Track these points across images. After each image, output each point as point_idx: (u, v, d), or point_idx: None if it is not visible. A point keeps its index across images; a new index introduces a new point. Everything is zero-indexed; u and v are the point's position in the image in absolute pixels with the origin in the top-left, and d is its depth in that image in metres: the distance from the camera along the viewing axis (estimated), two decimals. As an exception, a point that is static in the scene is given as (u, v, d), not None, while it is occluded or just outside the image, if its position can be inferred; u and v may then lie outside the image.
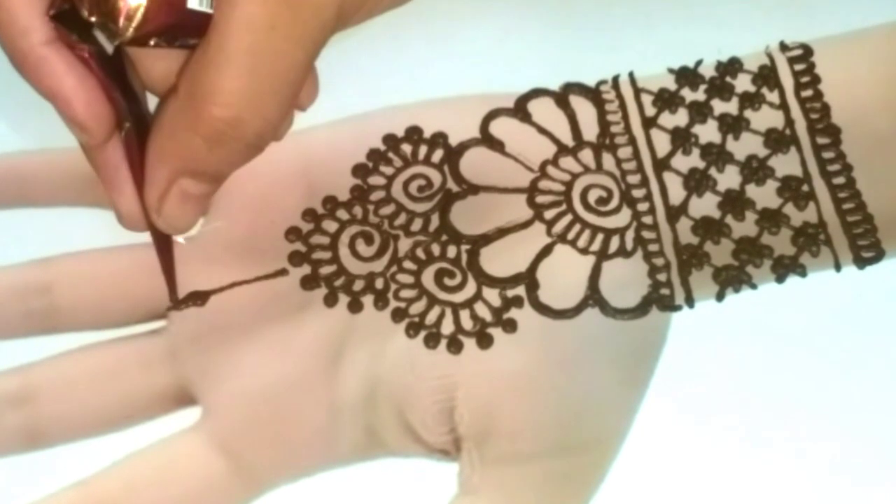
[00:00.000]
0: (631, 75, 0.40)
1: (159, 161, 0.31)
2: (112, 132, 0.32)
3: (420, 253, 0.38)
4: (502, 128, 0.39)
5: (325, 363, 0.37)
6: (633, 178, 0.38)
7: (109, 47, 0.30)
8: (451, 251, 0.38)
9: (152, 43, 0.30)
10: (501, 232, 0.38)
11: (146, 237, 0.40)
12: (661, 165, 0.38)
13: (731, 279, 0.38)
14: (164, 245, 0.36)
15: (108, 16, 0.29)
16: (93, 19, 0.29)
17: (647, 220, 0.38)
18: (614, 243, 0.38)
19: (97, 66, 0.30)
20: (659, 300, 0.37)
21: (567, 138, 0.39)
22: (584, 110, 0.39)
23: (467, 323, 0.37)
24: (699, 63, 0.40)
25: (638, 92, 0.39)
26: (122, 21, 0.29)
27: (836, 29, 0.40)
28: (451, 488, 0.37)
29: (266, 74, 0.29)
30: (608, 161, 0.39)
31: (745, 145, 0.39)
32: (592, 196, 0.38)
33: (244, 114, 0.29)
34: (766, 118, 0.39)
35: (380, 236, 0.38)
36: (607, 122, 0.39)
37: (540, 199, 0.38)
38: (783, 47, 0.40)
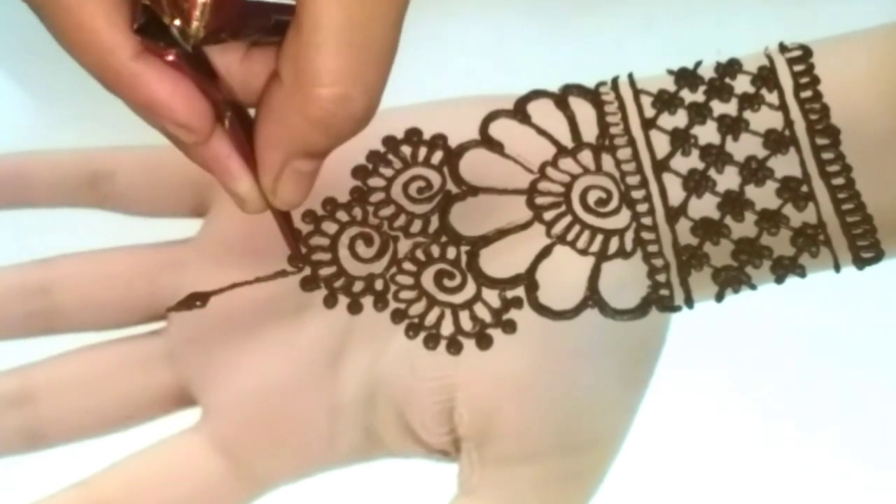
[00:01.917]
0: (630, 76, 0.40)
1: (271, 147, 0.31)
2: (214, 126, 0.31)
3: (420, 254, 0.38)
4: (502, 129, 0.39)
5: (324, 364, 0.37)
6: (633, 180, 0.38)
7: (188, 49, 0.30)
8: (451, 252, 0.38)
9: (223, 36, 0.30)
10: (501, 233, 0.38)
11: (145, 238, 0.40)
12: (661, 166, 0.38)
13: (730, 280, 0.38)
14: (283, 217, 0.36)
15: (184, 16, 0.29)
16: (176, 23, 0.29)
17: (647, 221, 0.38)
18: (614, 244, 0.38)
19: (188, 67, 0.30)
20: (658, 301, 0.37)
21: (566, 139, 0.39)
22: (584, 112, 0.39)
23: (467, 324, 0.37)
24: (698, 64, 0.40)
25: (637, 93, 0.39)
26: (193, 20, 0.29)
27: (835, 29, 0.40)
28: (451, 489, 0.37)
29: (364, 45, 0.29)
30: (607, 162, 0.39)
31: (745, 146, 0.39)
32: (592, 197, 0.38)
33: (350, 90, 0.29)
34: (765, 119, 0.39)
35: (379, 238, 0.38)
36: (606, 123, 0.39)
37: (539, 200, 0.38)
38: (782, 48, 0.40)
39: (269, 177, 0.32)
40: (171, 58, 0.30)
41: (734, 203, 0.38)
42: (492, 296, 0.37)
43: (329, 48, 0.28)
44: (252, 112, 0.32)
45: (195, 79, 0.31)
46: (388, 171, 0.39)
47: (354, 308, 0.37)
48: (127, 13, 0.29)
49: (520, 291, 0.37)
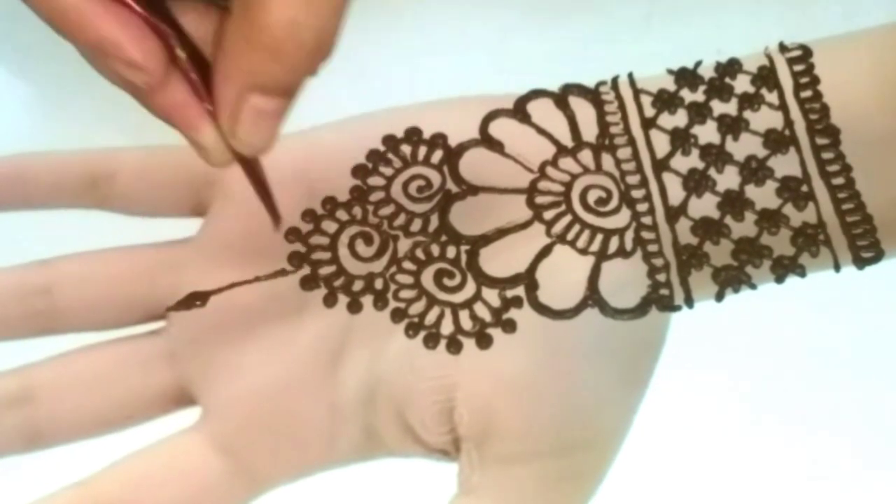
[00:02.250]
0: (630, 76, 0.40)
1: (225, 82, 0.30)
2: (168, 66, 0.31)
3: (419, 253, 0.38)
4: (502, 128, 0.39)
5: (324, 363, 0.37)
6: (633, 179, 0.38)
7: None
8: (451, 251, 0.38)
9: None
10: (501, 232, 0.38)
11: (145, 238, 0.40)
12: (661, 166, 0.38)
13: (730, 279, 0.38)
14: (252, 171, 0.34)
15: None
16: None
17: (647, 220, 0.38)
18: (614, 244, 0.38)
19: (140, 5, 0.30)
20: (658, 300, 0.37)
21: (566, 139, 0.39)
22: (584, 111, 0.39)
23: (467, 323, 0.37)
24: (698, 64, 0.40)
25: (637, 93, 0.39)
26: None
27: (835, 29, 0.40)
28: (451, 488, 0.37)
29: None
30: (607, 162, 0.39)
31: (745, 146, 0.39)
32: (592, 196, 0.38)
33: (299, 16, 0.29)
34: (765, 119, 0.39)
35: (379, 237, 0.38)
36: (606, 122, 0.39)
37: (539, 199, 0.38)
38: (782, 48, 0.40)
39: (226, 116, 0.31)
40: None
41: (734, 203, 0.38)
42: (492, 295, 0.37)
43: None
44: None
45: (147, 19, 0.30)
46: (387, 170, 0.39)
47: (354, 307, 0.37)
48: None
49: (520, 291, 0.37)
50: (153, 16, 0.30)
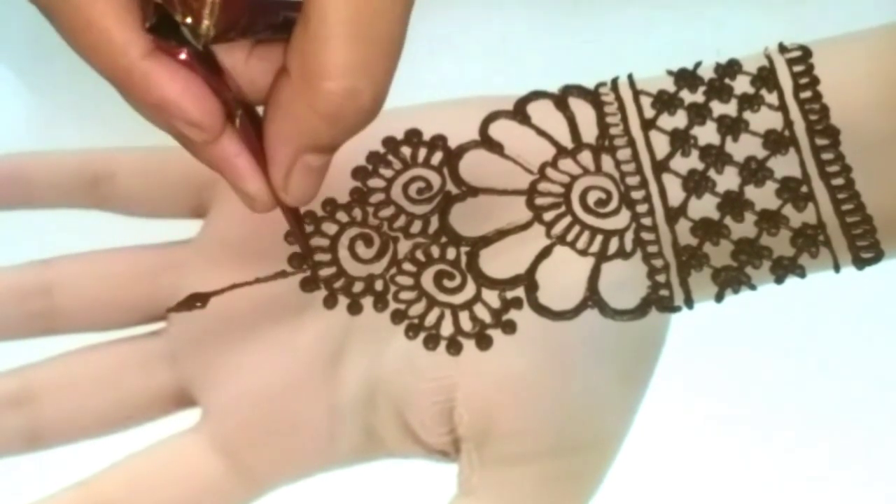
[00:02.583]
0: (630, 77, 0.40)
1: (281, 143, 0.31)
2: (224, 124, 0.31)
3: (419, 255, 0.38)
4: (501, 130, 0.39)
5: (324, 365, 0.37)
6: (632, 180, 0.38)
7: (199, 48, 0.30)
8: (451, 253, 0.38)
9: (233, 35, 0.30)
10: (501, 234, 0.38)
11: (146, 239, 0.40)
12: (660, 167, 0.38)
13: (730, 280, 0.38)
14: (292, 214, 0.36)
15: (195, 15, 0.29)
16: (187, 21, 0.29)
17: (647, 221, 0.38)
18: (613, 245, 0.38)
19: (199, 65, 0.30)
20: (658, 301, 0.37)
21: (566, 140, 0.39)
22: (583, 112, 0.39)
23: (467, 324, 0.37)
24: (698, 65, 0.40)
25: (637, 94, 0.39)
26: (204, 19, 0.29)
27: (835, 29, 0.40)
28: (451, 489, 0.37)
29: (371, 38, 0.29)
30: (607, 163, 0.39)
31: (744, 147, 0.39)
32: (591, 198, 0.38)
33: (358, 83, 0.29)
34: (764, 119, 0.39)
35: (379, 238, 0.38)
36: (606, 124, 0.39)
37: (539, 200, 0.38)
38: (782, 49, 0.40)
39: (279, 173, 0.32)
40: (182, 56, 0.30)
41: (734, 203, 0.38)
42: (492, 296, 0.37)
43: (336, 41, 0.28)
44: (260, 111, 0.32)
45: (205, 77, 0.31)
46: (387, 172, 0.39)
47: (354, 309, 0.37)
48: (137, 12, 0.29)
49: (519, 292, 0.37)
50: (213, 76, 0.31)
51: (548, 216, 0.38)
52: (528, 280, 0.37)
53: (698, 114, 0.39)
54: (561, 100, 0.40)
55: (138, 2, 0.29)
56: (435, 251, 0.38)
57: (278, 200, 0.33)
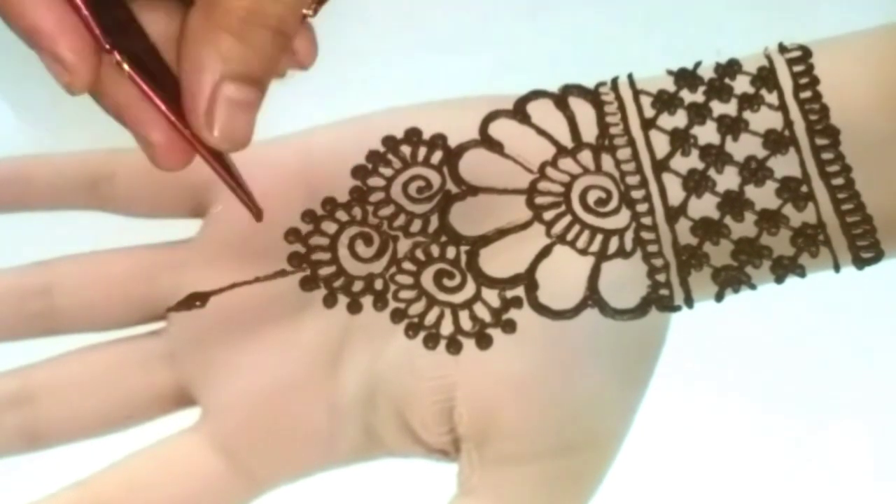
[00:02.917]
0: (630, 77, 0.40)
1: (196, 70, 0.31)
2: (96, 72, 0.31)
3: (419, 254, 0.38)
4: (501, 129, 0.39)
5: (324, 364, 0.37)
6: (633, 180, 0.38)
7: None
8: (451, 252, 0.38)
9: None
10: (500, 233, 0.38)
11: (145, 239, 0.40)
12: (661, 166, 0.39)
13: (730, 280, 0.38)
14: (223, 165, 0.34)
15: None
16: None
17: (647, 220, 0.38)
18: (613, 244, 0.38)
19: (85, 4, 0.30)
20: (658, 301, 0.37)
21: (566, 140, 0.39)
22: (583, 112, 0.39)
23: (466, 323, 0.37)
24: (698, 65, 0.40)
25: (637, 93, 0.39)
26: None
27: (835, 29, 0.40)
28: (451, 489, 0.37)
29: None
30: (607, 162, 0.39)
31: (744, 146, 0.39)
32: (591, 197, 0.38)
33: (261, 2, 0.30)
34: (764, 119, 0.39)
35: (379, 237, 0.38)
36: (606, 123, 0.39)
37: (539, 200, 0.38)
38: (782, 49, 0.40)
39: (200, 107, 0.31)
40: None
41: (734, 203, 0.38)
42: (491, 295, 0.37)
43: None
44: None
45: (87, 21, 0.30)
46: (387, 171, 0.39)
47: (354, 308, 0.37)
48: None
49: (519, 291, 0.37)
50: (95, 17, 0.30)
51: (548, 215, 0.38)
52: (528, 279, 0.37)
53: (698, 113, 0.39)
54: (561, 99, 0.40)
55: None
56: (435, 250, 0.38)
57: (200, 149, 0.32)
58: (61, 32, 0.30)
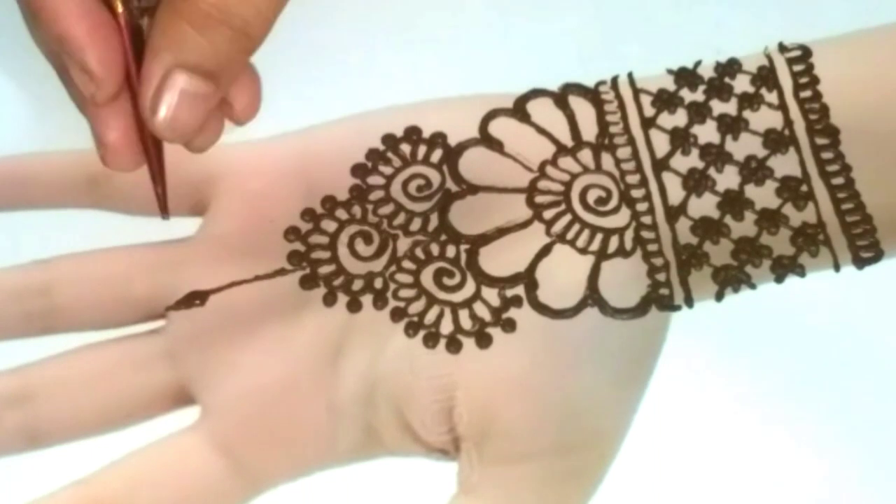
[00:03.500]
0: (630, 76, 0.40)
1: (152, 57, 0.31)
2: (120, 84, 0.31)
3: (419, 252, 0.38)
4: (501, 128, 0.39)
5: (324, 362, 0.37)
6: (632, 179, 0.38)
7: None
8: (450, 251, 0.38)
9: None
10: (500, 232, 0.38)
11: (144, 237, 0.40)
12: (660, 165, 0.39)
13: (730, 279, 0.38)
14: (156, 151, 0.34)
15: None
16: None
17: (647, 220, 0.38)
18: (613, 243, 0.38)
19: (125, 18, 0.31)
20: (658, 300, 0.37)
21: (566, 138, 0.39)
22: (583, 111, 0.39)
23: (466, 322, 0.37)
24: (698, 64, 0.40)
25: (637, 92, 0.39)
26: None
27: (835, 29, 0.40)
28: (451, 488, 0.37)
29: None
30: (607, 161, 0.39)
31: (744, 146, 0.39)
32: (591, 196, 0.38)
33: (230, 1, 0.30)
34: (764, 119, 0.39)
35: (379, 236, 0.38)
36: (606, 122, 0.39)
37: (539, 198, 0.38)
38: (782, 48, 0.40)
39: (149, 90, 0.31)
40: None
41: (734, 202, 0.38)
42: (491, 294, 0.37)
43: None
44: None
45: (122, 31, 0.31)
46: (387, 170, 0.39)
47: (354, 306, 0.37)
48: None
49: (519, 290, 0.37)
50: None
51: (548, 214, 0.38)
52: (527, 278, 0.37)
53: (698, 112, 0.39)
54: (561, 98, 0.40)
55: None
56: (434, 249, 0.38)
57: (144, 139, 0.32)
58: (92, 43, 0.30)
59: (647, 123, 0.39)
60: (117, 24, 0.31)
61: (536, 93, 0.40)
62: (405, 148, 0.39)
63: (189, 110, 0.31)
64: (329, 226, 0.38)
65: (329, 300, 0.37)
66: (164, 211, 0.35)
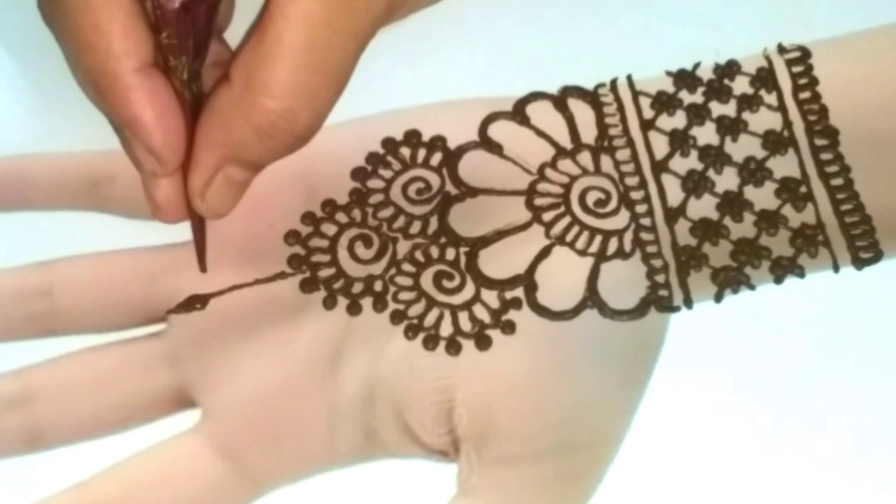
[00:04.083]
0: (629, 78, 0.40)
1: (208, 148, 0.32)
2: (181, 162, 0.32)
3: (419, 255, 0.38)
4: (501, 131, 0.39)
5: (324, 365, 0.37)
6: (632, 180, 0.39)
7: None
8: (450, 253, 0.38)
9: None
10: (500, 234, 0.38)
11: (145, 240, 0.40)
12: (660, 167, 0.39)
13: (729, 280, 0.38)
14: (199, 225, 0.36)
15: None
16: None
17: (646, 221, 0.38)
18: (613, 245, 0.38)
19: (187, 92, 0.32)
20: (657, 301, 0.37)
21: (565, 141, 0.39)
22: (583, 113, 0.39)
23: (466, 325, 0.37)
24: (697, 66, 0.40)
25: (636, 94, 0.40)
26: None
27: (835, 30, 0.40)
28: (450, 489, 0.37)
29: (320, 69, 0.30)
30: (606, 163, 0.39)
31: (744, 147, 0.39)
32: (591, 198, 0.38)
33: (297, 107, 0.30)
34: (764, 120, 0.39)
35: (378, 239, 0.38)
36: (605, 124, 0.39)
37: (538, 201, 0.38)
38: (781, 49, 0.40)
39: (201, 178, 0.33)
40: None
41: (733, 204, 0.38)
42: (491, 297, 0.37)
43: (286, 63, 0.30)
44: None
45: (187, 110, 0.32)
46: (387, 173, 0.39)
47: (354, 309, 0.37)
48: (144, 27, 0.30)
49: (519, 292, 0.37)
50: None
51: (547, 216, 0.38)
52: (527, 280, 0.37)
53: (697, 114, 0.39)
54: (560, 101, 0.40)
55: (145, 16, 0.30)
56: (434, 252, 0.38)
57: (189, 209, 0.34)
58: (159, 129, 0.31)
59: (647, 125, 0.39)
60: (181, 102, 0.32)
61: (536, 96, 0.40)
62: (405, 151, 0.39)
63: (233, 196, 0.34)
64: (329, 229, 0.38)
65: (329, 303, 0.37)
66: (204, 270, 0.38)
